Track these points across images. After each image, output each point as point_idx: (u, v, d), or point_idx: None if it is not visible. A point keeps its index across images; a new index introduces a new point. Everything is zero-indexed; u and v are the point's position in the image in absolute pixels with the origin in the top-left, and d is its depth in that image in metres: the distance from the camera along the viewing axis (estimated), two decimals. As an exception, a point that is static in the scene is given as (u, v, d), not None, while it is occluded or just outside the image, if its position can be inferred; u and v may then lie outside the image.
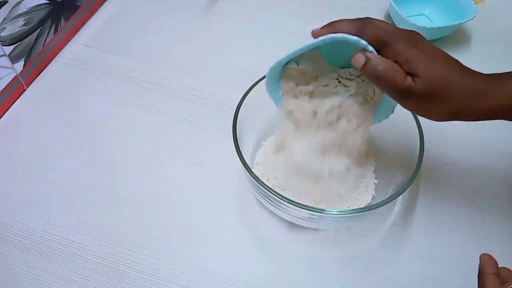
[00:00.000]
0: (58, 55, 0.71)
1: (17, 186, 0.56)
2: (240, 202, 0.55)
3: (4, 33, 0.59)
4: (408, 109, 0.41)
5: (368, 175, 0.54)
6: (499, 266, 0.40)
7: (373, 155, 0.56)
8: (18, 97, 0.65)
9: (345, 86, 0.46)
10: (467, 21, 0.68)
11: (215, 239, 0.52)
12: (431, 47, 0.40)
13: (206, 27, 0.75)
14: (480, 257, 0.40)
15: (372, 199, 0.52)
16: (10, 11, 0.60)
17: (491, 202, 0.55)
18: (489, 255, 0.41)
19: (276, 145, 0.53)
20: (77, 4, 0.72)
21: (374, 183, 0.53)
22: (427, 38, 0.74)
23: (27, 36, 0.64)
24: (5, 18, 0.59)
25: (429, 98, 0.39)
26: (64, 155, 0.59)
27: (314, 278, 0.49)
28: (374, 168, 0.55)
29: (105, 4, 0.78)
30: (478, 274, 0.40)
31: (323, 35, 0.40)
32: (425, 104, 0.39)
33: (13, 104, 0.64)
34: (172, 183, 0.56)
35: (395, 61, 0.39)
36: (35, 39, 0.65)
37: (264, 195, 0.48)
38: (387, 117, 0.47)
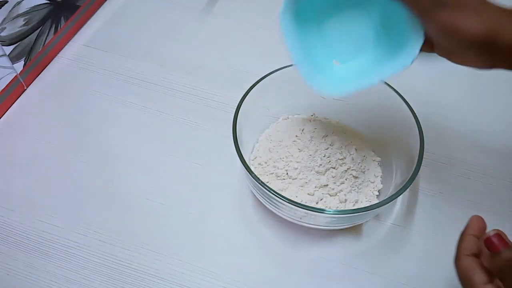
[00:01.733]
0: (58, 55, 0.71)
1: (17, 186, 0.56)
2: (240, 202, 0.55)
3: (4, 33, 0.59)
4: (436, 38, 0.38)
5: (371, 174, 0.54)
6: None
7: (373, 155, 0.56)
8: (18, 97, 0.65)
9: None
10: (467, 21, 0.68)
11: (215, 239, 0.52)
12: None
13: (206, 27, 0.75)
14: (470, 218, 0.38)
15: (374, 198, 0.52)
16: (10, 11, 0.60)
17: (491, 202, 0.55)
18: (478, 216, 0.39)
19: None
20: (77, 4, 0.72)
21: (377, 185, 0.53)
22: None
23: (27, 36, 0.64)
24: (5, 18, 0.59)
25: (460, 7, 0.36)
26: (64, 155, 0.59)
27: (314, 278, 0.49)
28: (378, 168, 0.55)
29: (105, 4, 0.78)
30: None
31: None
32: (455, 18, 0.36)
33: (13, 104, 0.64)
34: (172, 183, 0.56)
35: None
36: (35, 39, 0.65)
37: (264, 195, 0.48)
38: (407, 66, 0.42)
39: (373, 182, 0.53)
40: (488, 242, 0.35)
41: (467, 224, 0.38)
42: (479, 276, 0.35)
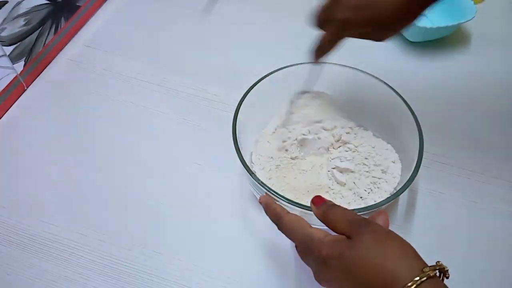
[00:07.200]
0: (58, 55, 0.71)
1: (17, 186, 0.56)
2: (240, 202, 0.55)
3: (4, 33, 0.60)
4: None
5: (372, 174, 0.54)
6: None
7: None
8: (18, 97, 0.65)
9: None
10: (467, 21, 0.68)
11: (215, 239, 0.52)
12: None
13: (206, 27, 0.75)
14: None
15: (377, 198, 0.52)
16: (10, 11, 0.60)
17: (491, 202, 0.55)
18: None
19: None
20: (77, 4, 0.72)
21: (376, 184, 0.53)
22: (427, 38, 0.74)
23: (27, 36, 0.64)
24: (5, 18, 0.59)
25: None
26: (64, 155, 0.59)
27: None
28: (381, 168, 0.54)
29: (105, 4, 0.78)
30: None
31: None
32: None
33: (13, 104, 0.64)
34: (171, 183, 0.56)
35: None
36: (35, 39, 0.66)
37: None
38: None
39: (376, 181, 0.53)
40: (312, 201, 0.41)
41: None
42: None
